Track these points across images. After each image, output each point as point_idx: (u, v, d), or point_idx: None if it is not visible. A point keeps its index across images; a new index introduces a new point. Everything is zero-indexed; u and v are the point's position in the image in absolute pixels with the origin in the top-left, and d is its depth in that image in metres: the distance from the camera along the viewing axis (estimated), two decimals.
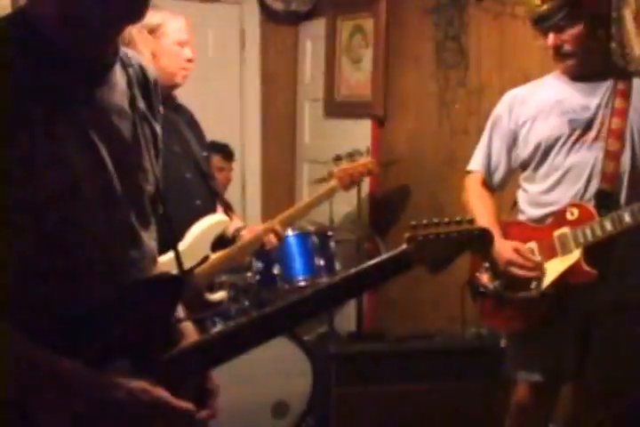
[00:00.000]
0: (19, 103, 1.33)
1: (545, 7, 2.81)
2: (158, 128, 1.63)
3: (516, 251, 2.90)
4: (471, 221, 1.71)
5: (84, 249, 1.41)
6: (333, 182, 3.63)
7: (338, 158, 4.03)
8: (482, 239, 1.69)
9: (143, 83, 1.60)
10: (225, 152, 4.82)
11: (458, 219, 1.70)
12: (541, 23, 2.84)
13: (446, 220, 1.69)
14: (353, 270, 1.61)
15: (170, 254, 1.72)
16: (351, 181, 3.74)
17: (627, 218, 2.67)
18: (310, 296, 1.58)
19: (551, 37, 2.82)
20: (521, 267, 2.88)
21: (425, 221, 1.68)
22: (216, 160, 4.31)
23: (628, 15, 3.21)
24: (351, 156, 3.92)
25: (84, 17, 1.39)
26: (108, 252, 1.45)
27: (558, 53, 2.85)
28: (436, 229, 1.67)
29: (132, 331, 1.44)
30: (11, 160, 1.31)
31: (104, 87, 1.47)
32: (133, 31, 2.73)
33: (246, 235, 3.14)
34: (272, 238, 3.19)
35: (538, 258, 2.89)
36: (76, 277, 1.40)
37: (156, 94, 1.64)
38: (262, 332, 1.56)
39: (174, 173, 2.78)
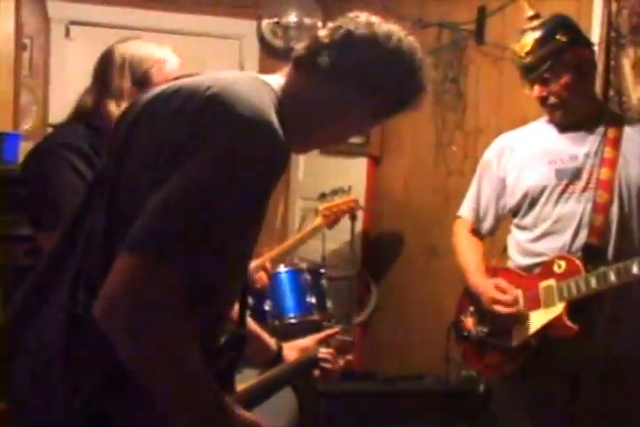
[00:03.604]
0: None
1: (529, 59, 2.79)
2: None
3: (497, 288, 2.87)
4: None
5: (230, 300, 1.72)
6: (318, 220, 3.66)
7: (322, 196, 4.07)
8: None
9: None
10: None
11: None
12: (527, 74, 2.83)
13: None
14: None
15: None
16: (335, 219, 3.76)
17: (612, 277, 2.59)
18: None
19: (537, 89, 2.81)
20: (504, 304, 2.83)
21: None
22: None
23: (627, 64, 3.22)
24: (335, 193, 3.95)
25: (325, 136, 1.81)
26: (232, 304, 1.77)
27: (544, 104, 2.84)
28: None
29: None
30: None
31: None
32: (153, 70, 2.55)
33: None
34: (262, 276, 3.20)
35: (516, 292, 2.84)
36: (219, 318, 1.67)
37: None
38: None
39: None
